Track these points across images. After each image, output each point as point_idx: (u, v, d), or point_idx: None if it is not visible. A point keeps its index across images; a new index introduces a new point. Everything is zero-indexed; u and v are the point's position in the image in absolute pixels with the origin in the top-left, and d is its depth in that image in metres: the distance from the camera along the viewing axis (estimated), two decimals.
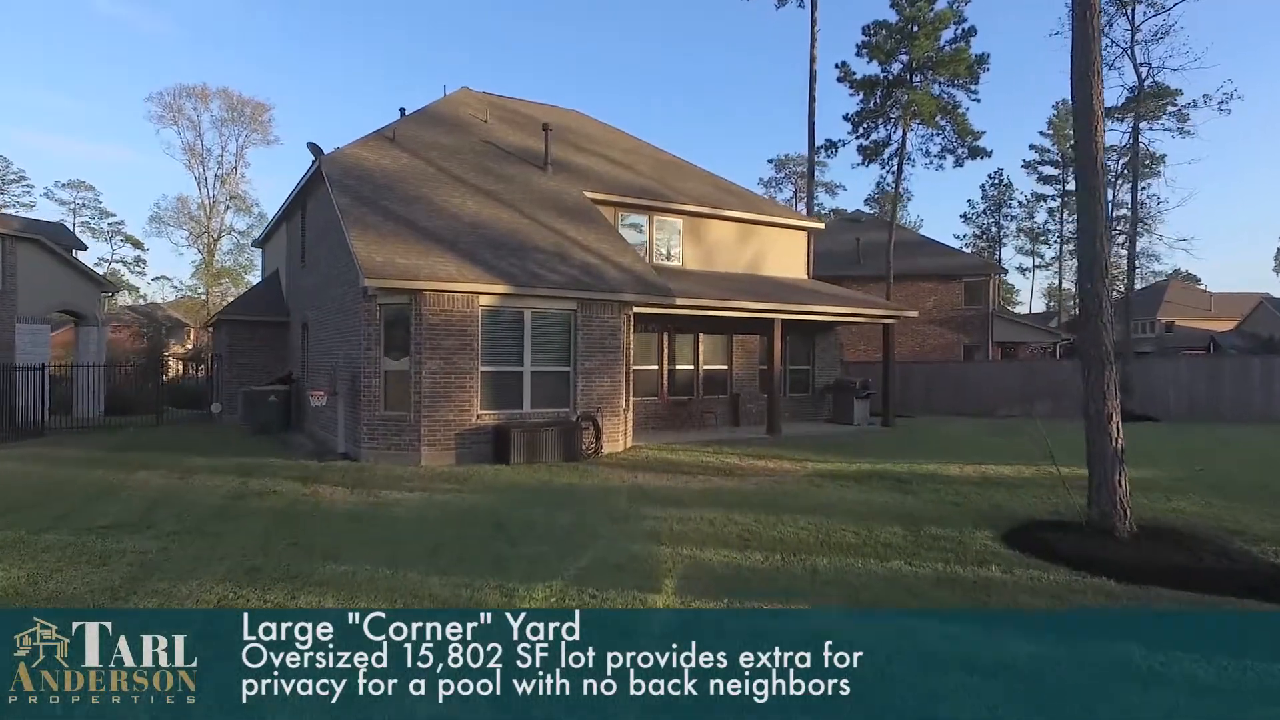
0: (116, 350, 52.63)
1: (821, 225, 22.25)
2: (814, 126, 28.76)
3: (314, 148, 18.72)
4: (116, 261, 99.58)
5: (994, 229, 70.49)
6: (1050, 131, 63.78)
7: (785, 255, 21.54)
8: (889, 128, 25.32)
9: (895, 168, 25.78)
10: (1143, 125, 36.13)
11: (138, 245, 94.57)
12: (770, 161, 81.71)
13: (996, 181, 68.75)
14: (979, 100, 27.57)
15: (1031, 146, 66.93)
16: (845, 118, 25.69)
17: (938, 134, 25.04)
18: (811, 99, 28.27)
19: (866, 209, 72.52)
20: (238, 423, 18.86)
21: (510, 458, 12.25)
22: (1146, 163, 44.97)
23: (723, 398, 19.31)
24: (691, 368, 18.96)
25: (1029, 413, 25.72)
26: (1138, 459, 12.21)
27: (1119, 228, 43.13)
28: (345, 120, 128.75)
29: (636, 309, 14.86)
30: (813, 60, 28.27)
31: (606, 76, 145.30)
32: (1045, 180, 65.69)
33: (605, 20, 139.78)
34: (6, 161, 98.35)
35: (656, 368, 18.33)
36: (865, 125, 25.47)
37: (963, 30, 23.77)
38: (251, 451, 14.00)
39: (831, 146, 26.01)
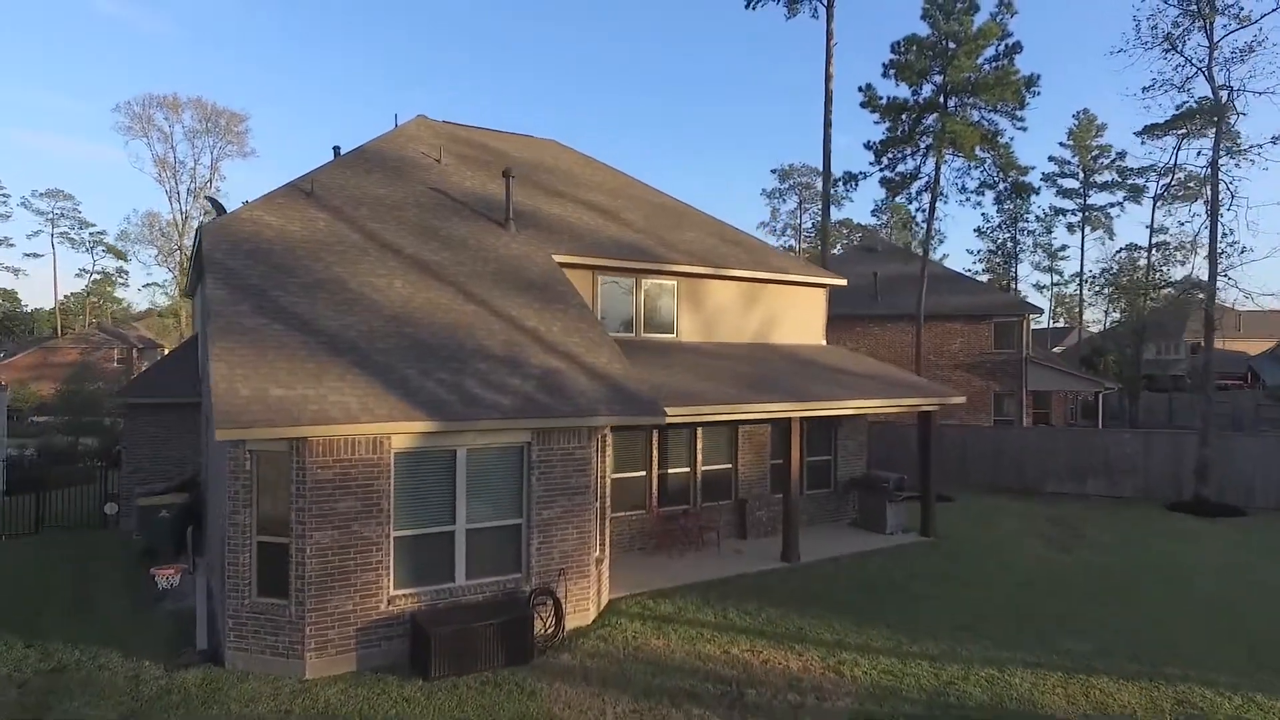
0: (90, 372, 48.74)
1: (843, 282, 18.71)
2: (829, 154, 25.24)
3: (214, 204, 15.24)
4: (98, 273, 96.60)
5: (1010, 244, 66.83)
6: (1070, 142, 60.14)
7: (800, 318, 18.00)
8: (918, 158, 21.73)
9: (927, 205, 22.16)
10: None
11: (120, 256, 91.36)
12: (774, 171, 77.93)
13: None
14: (1025, 128, 23.83)
15: (1051, 158, 63.27)
16: (867, 146, 22.17)
17: (976, 166, 21.54)
18: (827, 123, 24.75)
19: (873, 220, 69.17)
20: (135, 536, 15.33)
21: (431, 668, 8.71)
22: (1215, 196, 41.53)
23: (726, 504, 15.76)
24: (687, 470, 15.41)
25: (1082, 491, 22.32)
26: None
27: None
28: (345, 128, 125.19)
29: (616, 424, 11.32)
30: (828, 79, 24.75)
31: (604, 78, 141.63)
32: (1065, 194, 62.05)
33: (600, 20, 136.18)
34: None
35: (644, 474, 14.78)
36: (891, 155, 21.88)
37: (1006, 46, 20.23)
38: (83, 621, 10.43)
39: (851, 180, 22.45)
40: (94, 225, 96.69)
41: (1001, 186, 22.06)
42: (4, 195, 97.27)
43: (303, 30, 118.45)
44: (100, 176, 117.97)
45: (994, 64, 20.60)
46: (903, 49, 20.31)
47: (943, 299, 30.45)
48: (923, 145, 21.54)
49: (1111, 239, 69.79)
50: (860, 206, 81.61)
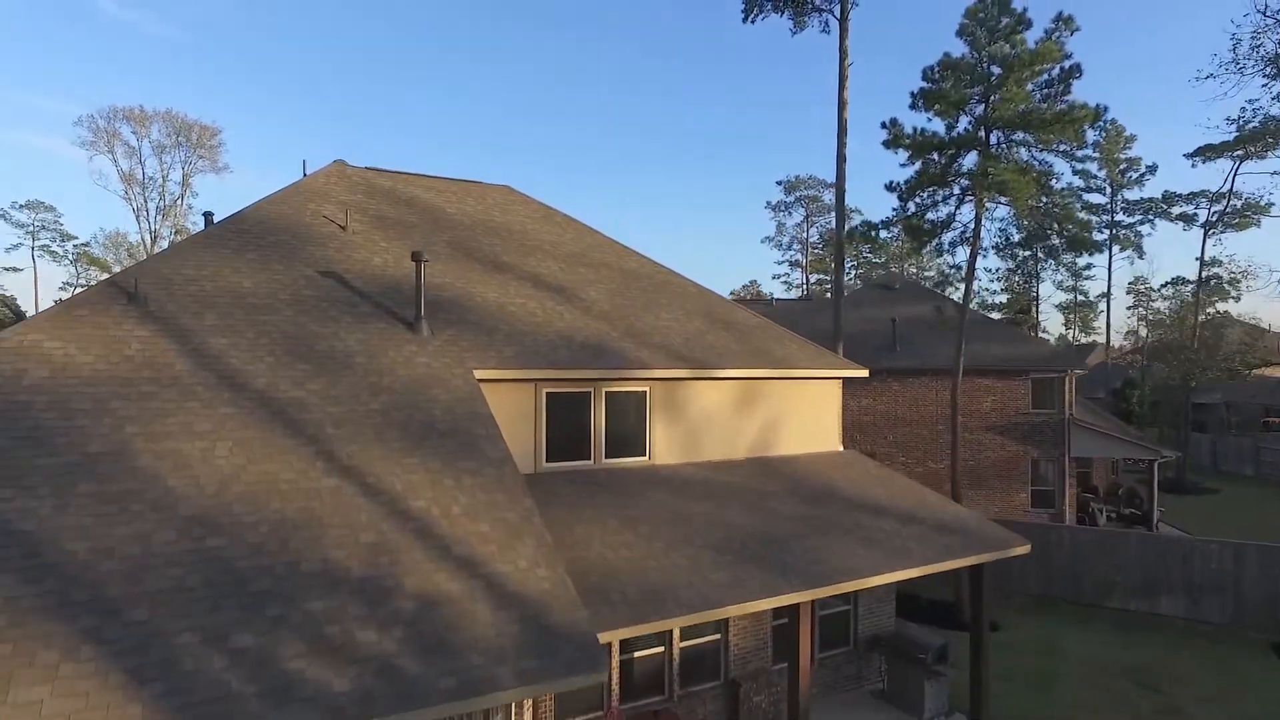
0: None
1: (865, 372, 14.89)
2: (843, 194, 21.37)
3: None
4: (81, 287, 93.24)
5: (1031, 262, 62.71)
6: (1098, 155, 56.02)
7: (810, 419, 14.20)
8: (952, 203, 17.86)
9: (966, 263, 18.26)
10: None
11: (106, 269, 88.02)
12: (780, 183, 73.77)
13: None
14: (1085, 169, 19.88)
15: (1076, 171, 59.16)
16: (889, 188, 18.28)
17: (1024, 217, 17.71)
18: (840, 158, 20.89)
19: (885, 232, 65.31)
20: None
21: None
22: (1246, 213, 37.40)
23: (714, 687, 11.95)
24: (660, 650, 11.61)
25: (1155, 610, 18.39)
26: None
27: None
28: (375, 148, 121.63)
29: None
30: (841, 106, 20.89)
31: (591, 86, 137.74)
32: (1091, 210, 57.85)
33: (588, 23, 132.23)
34: None
35: None
36: (919, 198, 18.01)
37: (1063, 70, 16.38)
38: None
39: (871, 231, 18.58)
40: (76, 238, 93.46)
41: (1058, 242, 18.25)
42: None
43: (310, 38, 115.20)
44: (82, 187, 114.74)
45: (1046, 90, 16.73)
46: (939, 75, 16.45)
47: (972, 349, 26.56)
48: (957, 189, 17.66)
49: (1141, 258, 65.69)
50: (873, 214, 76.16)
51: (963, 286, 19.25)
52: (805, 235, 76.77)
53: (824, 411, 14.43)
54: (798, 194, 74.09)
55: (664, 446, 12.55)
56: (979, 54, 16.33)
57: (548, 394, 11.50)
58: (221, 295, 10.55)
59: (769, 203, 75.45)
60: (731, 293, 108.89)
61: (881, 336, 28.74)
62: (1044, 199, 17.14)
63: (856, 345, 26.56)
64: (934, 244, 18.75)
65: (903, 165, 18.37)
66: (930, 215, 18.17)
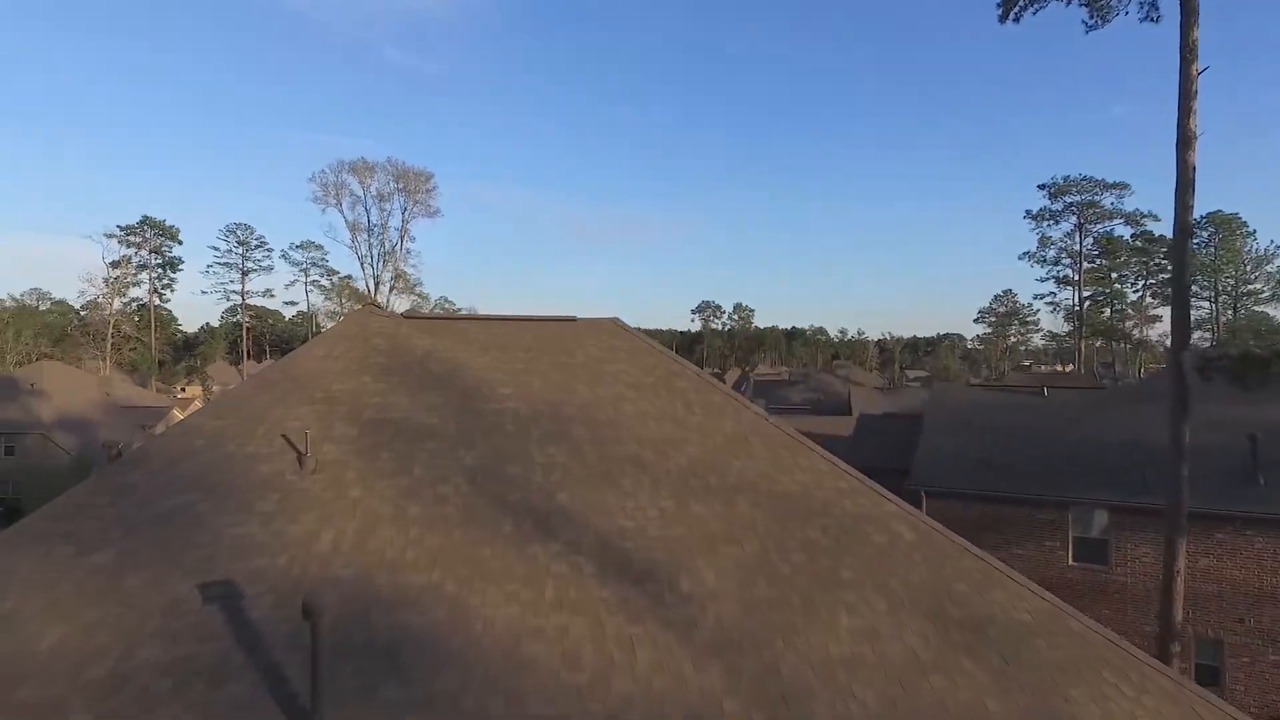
0: None
1: None
2: (1185, 252, 12.86)
3: None
4: (342, 313, 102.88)
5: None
6: None
7: None
8: None
9: None
10: None
11: (362, 300, 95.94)
12: (1043, 188, 60.65)
13: None
14: None
15: None
16: None
17: None
18: (1184, 206, 12.48)
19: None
20: None
21: None
22: None
23: None
24: None
25: None
26: None
27: None
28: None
29: None
30: (1186, 117, 12.47)
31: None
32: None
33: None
34: (249, 228, 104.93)
35: None
36: None
37: None
38: None
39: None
40: (339, 272, 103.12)
41: None
42: (267, 250, 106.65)
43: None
44: (315, 237, 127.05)
45: None
46: None
47: None
48: None
49: None
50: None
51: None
52: (1078, 247, 62.85)
53: None
54: (1067, 199, 60.61)
55: None
56: None
57: None
58: None
59: (1029, 212, 62.41)
60: (980, 312, 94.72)
61: (1230, 455, 18.93)
62: None
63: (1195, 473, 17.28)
64: None
65: None
66: None
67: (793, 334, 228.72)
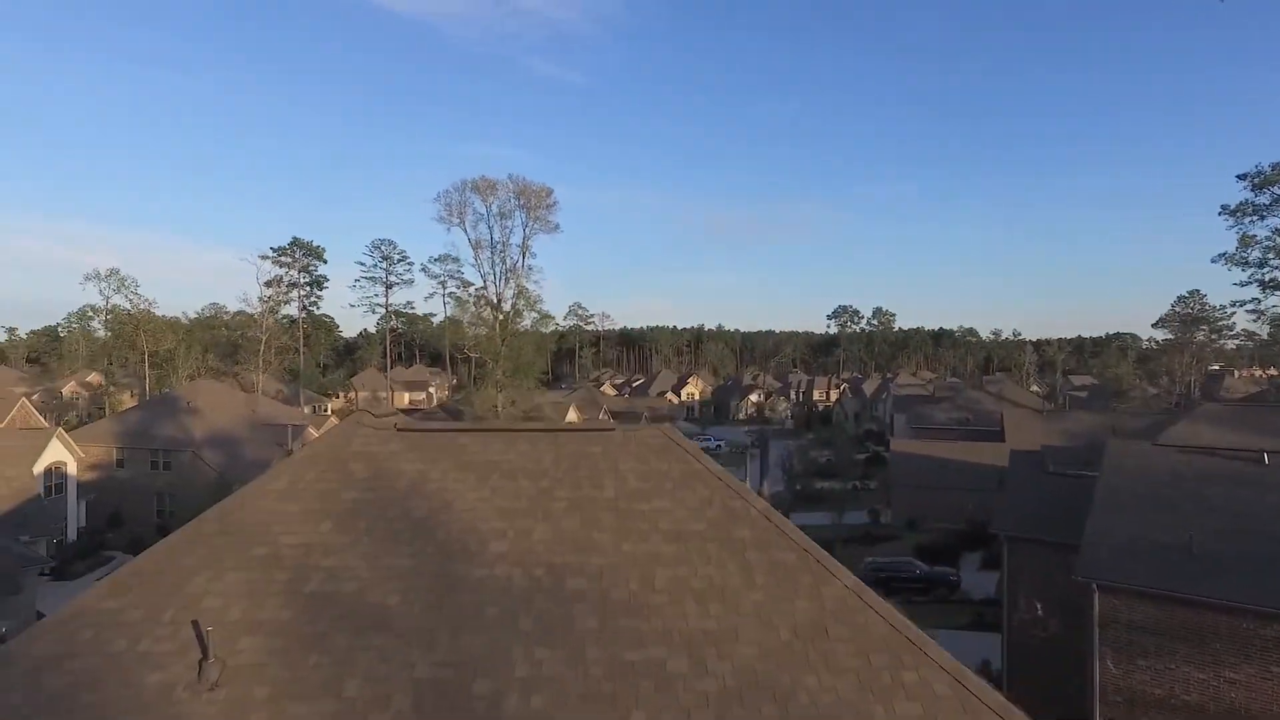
0: None
1: None
2: None
3: None
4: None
5: None
6: None
7: None
8: None
9: None
10: None
11: (499, 310, 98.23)
12: (1243, 178, 51.35)
13: None
14: None
15: None
16: None
17: None
18: None
19: None
20: None
21: None
22: None
23: None
24: None
25: None
26: None
27: None
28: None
29: None
30: None
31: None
32: None
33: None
34: (392, 243, 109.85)
35: None
36: None
37: None
38: None
39: None
40: (473, 284, 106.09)
41: None
42: (409, 264, 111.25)
43: None
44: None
45: None
46: None
47: None
48: None
49: None
50: None
51: None
52: None
53: None
54: (1275, 191, 51.21)
55: None
56: None
57: None
58: None
59: (1225, 207, 53.08)
60: (1161, 318, 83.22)
61: None
62: None
63: None
64: None
65: None
66: None
67: (940, 336, 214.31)
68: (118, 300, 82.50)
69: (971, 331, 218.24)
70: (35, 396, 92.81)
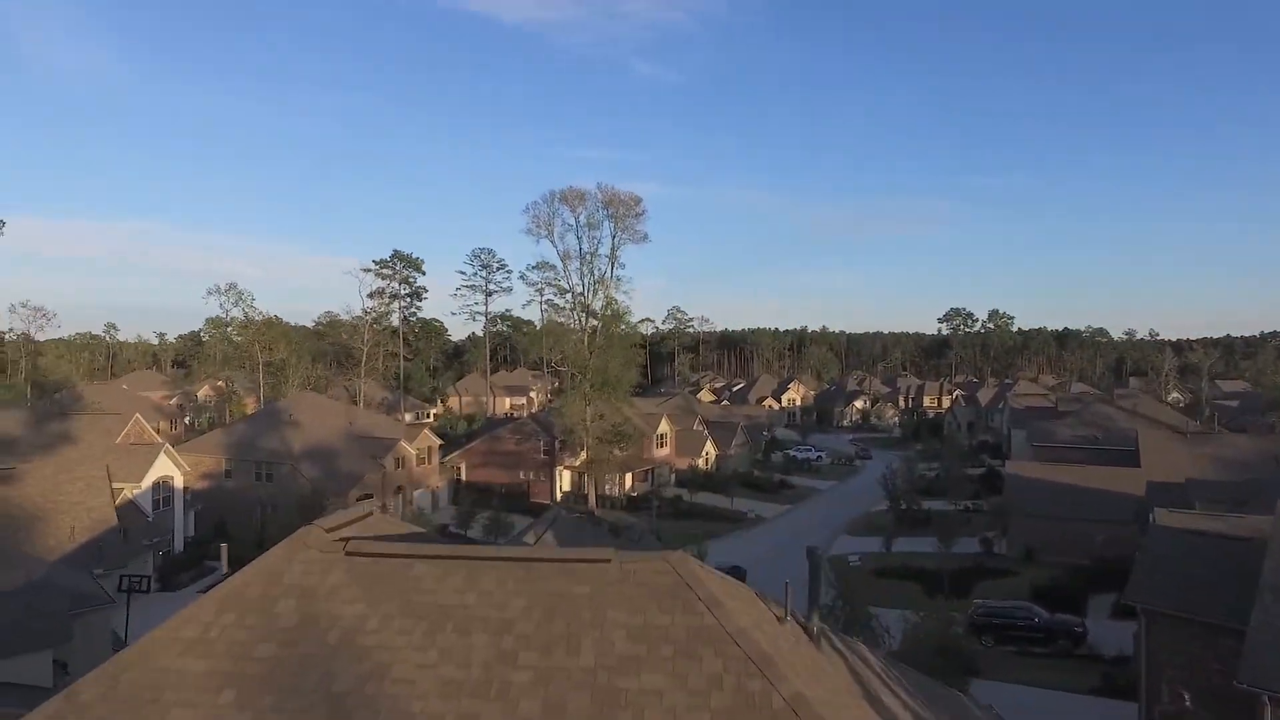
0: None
1: None
2: None
3: None
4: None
5: None
6: None
7: None
8: None
9: None
10: None
11: (594, 316, 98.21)
12: None
13: None
14: None
15: None
16: None
17: None
18: None
19: None
20: None
21: None
22: None
23: None
24: None
25: None
26: None
27: None
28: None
29: None
30: None
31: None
32: None
33: None
34: (491, 252, 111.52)
35: None
36: None
37: None
38: None
39: None
40: (569, 290, 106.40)
41: None
42: (507, 272, 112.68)
43: None
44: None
45: None
46: None
47: None
48: None
49: None
50: None
51: None
52: None
53: None
54: None
55: None
56: None
57: None
58: None
59: None
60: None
61: None
62: None
63: None
64: None
65: None
66: None
67: (1064, 336, 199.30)
68: (235, 313, 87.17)
69: (1101, 331, 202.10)
70: (174, 399, 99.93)
